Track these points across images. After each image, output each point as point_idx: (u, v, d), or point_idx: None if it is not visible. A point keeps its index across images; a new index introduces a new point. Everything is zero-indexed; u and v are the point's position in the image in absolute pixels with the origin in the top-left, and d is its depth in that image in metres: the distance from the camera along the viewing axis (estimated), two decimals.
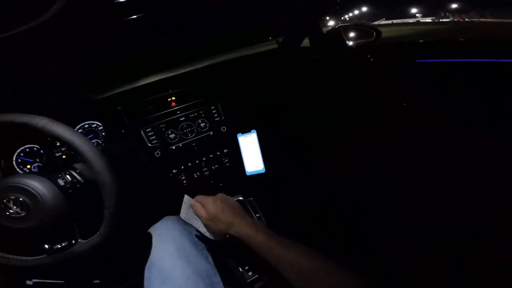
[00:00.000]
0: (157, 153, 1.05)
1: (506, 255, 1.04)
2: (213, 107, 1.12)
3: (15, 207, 0.60)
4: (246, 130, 1.07)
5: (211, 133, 1.11)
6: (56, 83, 1.09)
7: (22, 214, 0.60)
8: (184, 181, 1.11)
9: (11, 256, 0.68)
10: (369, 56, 1.56)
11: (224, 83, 1.17)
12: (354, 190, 1.41)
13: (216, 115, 1.12)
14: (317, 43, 1.54)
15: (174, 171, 1.10)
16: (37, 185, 0.61)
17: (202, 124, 1.10)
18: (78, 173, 0.71)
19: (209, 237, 0.77)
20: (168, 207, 1.00)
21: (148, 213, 0.97)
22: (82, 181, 0.71)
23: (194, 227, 0.80)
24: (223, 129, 1.13)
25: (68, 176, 0.68)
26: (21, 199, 0.59)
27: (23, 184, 0.60)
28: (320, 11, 1.52)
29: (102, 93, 1.13)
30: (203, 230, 0.78)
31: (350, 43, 1.66)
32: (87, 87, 1.18)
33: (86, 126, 1.03)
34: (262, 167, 1.08)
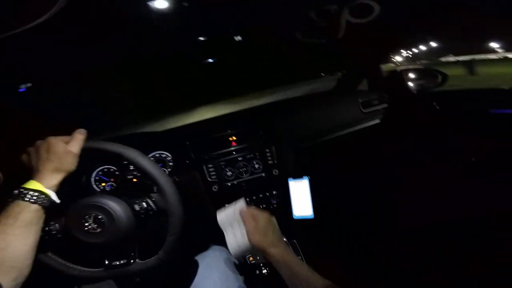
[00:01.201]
0: (215, 188, 1.15)
1: (506, 256, 1.08)
2: (267, 150, 1.19)
3: (93, 223, 0.70)
4: (297, 176, 1.12)
5: (263, 174, 1.19)
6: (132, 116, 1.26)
7: (97, 230, 0.70)
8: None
9: (71, 265, 0.76)
10: (434, 103, 1.47)
11: (280, 128, 1.23)
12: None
13: (269, 158, 1.19)
14: (376, 86, 1.52)
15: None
16: (116, 207, 0.72)
17: (256, 165, 1.18)
18: (153, 202, 0.80)
19: (239, 246, 0.80)
20: (216, 237, 1.09)
21: (197, 241, 1.06)
22: (155, 209, 0.80)
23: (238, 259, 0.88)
24: (275, 172, 1.19)
25: (144, 203, 0.78)
26: (100, 216, 0.70)
27: (105, 204, 0.71)
28: (382, 55, 1.50)
29: (174, 123, 1.28)
30: (234, 239, 0.81)
31: (412, 87, 1.59)
32: (162, 118, 1.34)
33: (157, 155, 1.18)
34: (311, 213, 1.11)
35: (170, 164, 1.19)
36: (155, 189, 0.80)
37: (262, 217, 0.79)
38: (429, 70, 1.67)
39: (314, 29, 1.29)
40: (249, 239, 0.77)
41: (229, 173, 1.17)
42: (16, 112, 1.08)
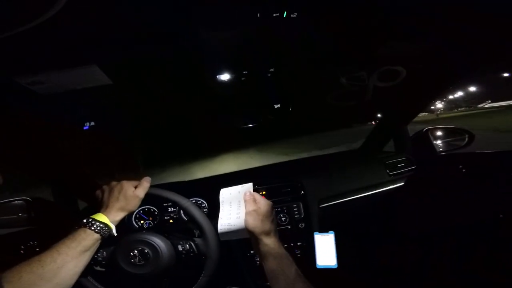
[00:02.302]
0: None
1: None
2: (295, 205, 1.28)
3: (139, 256, 0.81)
4: (323, 230, 1.19)
5: (289, 227, 1.27)
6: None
7: (141, 263, 0.81)
8: (257, 262, 1.25)
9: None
10: (460, 166, 1.48)
11: (308, 184, 1.32)
12: None
13: (296, 212, 1.27)
14: (402, 147, 1.57)
15: (252, 252, 1.26)
16: (162, 244, 0.83)
17: (283, 218, 1.27)
18: (195, 245, 0.89)
19: (229, 226, 0.80)
20: (236, 279, 1.18)
21: (218, 281, 1.14)
22: (196, 252, 0.89)
23: None
24: (301, 225, 1.27)
25: (187, 245, 0.87)
26: (146, 251, 0.81)
27: (153, 241, 0.83)
28: (409, 116, 1.56)
29: (210, 172, 1.41)
30: (227, 217, 0.81)
31: (439, 147, 1.61)
32: (199, 165, 1.48)
33: (193, 201, 1.31)
34: (334, 262, 1.17)
35: (205, 210, 1.30)
36: (196, 233, 0.92)
37: (265, 203, 0.80)
38: (455, 129, 1.69)
39: (344, 93, 1.41)
40: (246, 221, 0.76)
41: None
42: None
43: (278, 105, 1.14)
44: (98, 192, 0.85)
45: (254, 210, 0.77)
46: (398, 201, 1.45)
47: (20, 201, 1.09)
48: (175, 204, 0.88)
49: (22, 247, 1.06)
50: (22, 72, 0.72)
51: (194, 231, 0.97)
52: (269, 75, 1.03)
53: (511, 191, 1.27)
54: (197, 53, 0.80)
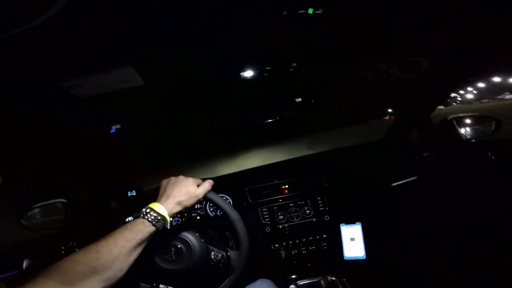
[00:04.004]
0: (267, 229, 1.27)
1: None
2: (319, 198, 1.28)
3: (173, 252, 0.82)
4: (350, 221, 1.19)
5: (314, 219, 1.27)
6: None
7: (174, 258, 0.82)
8: (283, 255, 1.28)
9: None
10: (489, 153, 1.43)
11: (331, 177, 1.32)
12: None
13: (321, 205, 1.28)
14: (427, 136, 1.53)
15: (277, 245, 1.29)
16: (197, 245, 0.83)
17: (307, 211, 1.28)
18: (227, 257, 0.88)
19: None
20: (263, 271, 1.19)
21: (247, 274, 1.16)
22: (225, 263, 0.87)
23: None
24: (326, 218, 1.27)
25: (220, 254, 0.87)
26: (179, 246, 0.82)
27: (188, 239, 0.84)
28: (432, 106, 1.52)
29: (235, 168, 1.44)
30: None
31: (465, 135, 1.56)
32: (224, 162, 1.52)
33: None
34: (363, 254, 1.17)
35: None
36: (231, 244, 0.94)
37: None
38: (482, 116, 1.63)
39: (366, 86, 1.39)
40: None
41: (281, 217, 1.28)
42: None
43: (300, 99, 1.15)
44: (164, 182, 0.82)
45: None
46: (424, 191, 1.42)
47: (57, 203, 1.15)
48: (225, 214, 0.87)
49: (63, 247, 1.12)
50: (63, 76, 0.75)
51: (230, 242, 0.98)
52: (291, 69, 1.04)
53: None
54: (222, 51, 0.83)
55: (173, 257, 0.83)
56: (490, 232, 1.27)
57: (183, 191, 0.78)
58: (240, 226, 0.85)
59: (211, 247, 0.87)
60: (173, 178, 0.81)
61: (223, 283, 0.84)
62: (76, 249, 1.11)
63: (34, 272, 0.56)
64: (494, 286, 1.16)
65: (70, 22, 0.65)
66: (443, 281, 1.24)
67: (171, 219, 0.74)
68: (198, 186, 0.82)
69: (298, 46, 0.93)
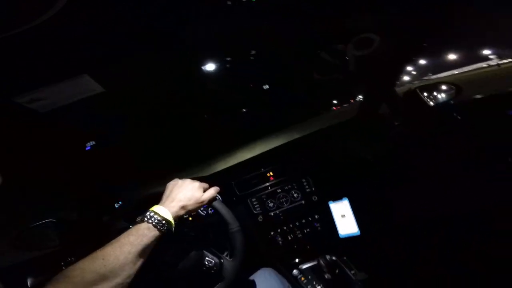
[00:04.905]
0: (260, 218, 1.28)
1: (501, 248, 1.14)
2: (304, 180, 1.32)
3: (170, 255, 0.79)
4: (337, 198, 1.22)
5: (303, 202, 1.30)
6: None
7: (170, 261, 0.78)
8: (280, 242, 1.29)
9: None
10: (455, 114, 1.53)
11: (313, 158, 1.37)
12: None
13: (307, 186, 1.31)
14: (396, 108, 1.61)
15: (272, 233, 1.30)
16: (193, 250, 0.81)
17: (295, 195, 1.30)
18: (221, 264, 0.86)
19: None
20: (265, 260, 1.20)
21: (247, 264, 1.16)
22: (218, 270, 0.85)
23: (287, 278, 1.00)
24: (314, 198, 1.30)
25: (214, 261, 0.85)
26: (176, 249, 0.79)
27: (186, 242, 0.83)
28: (394, 77, 1.62)
29: (219, 167, 1.47)
30: None
31: (431, 101, 1.66)
32: (208, 163, 1.54)
33: None
34: (356, 230, 1.19)
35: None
36: (226, 253, 0.90)
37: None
38: (443, 83, 1.75)
39: (328, 67, 1.48)
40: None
41: (271, 204, 1.30)
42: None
43: (267, 86, 1.20)
44: (170, 184, 0.79)
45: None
46: (413, 184, 1.48)
47: (47, 223, 1.14)
48: (225, 223, 0.86)
49: (62, 263, 1.10)
50: (20, 90, 0.73)
51: (226, 250, 0.94)
52: (252, 58, 1.10)
53: None
54: (182, 48, 0.86)
55: (169, 260, 0.80)
56: (478, 225, 1.29)
57: (189, 195, 0.75)
58: (239, 237, 0.84)
59: (206, 252, 0.86)
60: (179, 181, 0.79)
61: None
62: None
63: (42, 283, 0.56)
64: (482, 278, 1.16)
65: (70, 22, 0.64)
66: (432, 274, 1.26)
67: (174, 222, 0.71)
68: (204, 190, 0.80)
69: (255, 34, 0.99)
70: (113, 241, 0.63)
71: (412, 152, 1.51)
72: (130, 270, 0.61)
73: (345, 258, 1.21)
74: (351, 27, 1.26)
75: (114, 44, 0.75)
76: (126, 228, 0.67)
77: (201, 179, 0.84)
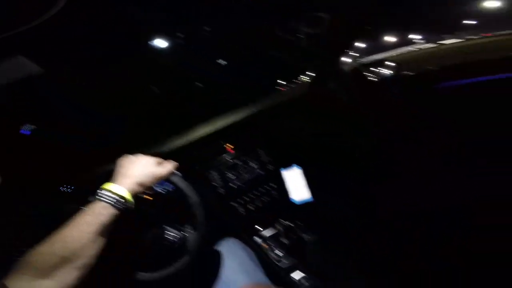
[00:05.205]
0: (221, 190, 1.33)
1: (485, 244, 1.12)
2: (260, 150, 1.38)
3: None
4: (289, 166, 1.31)
5: (261, 171, 1.38)
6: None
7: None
8: (242, 212, 1.35)
9: None
10: (395, 89, 1.73)
11: (266, 130, 1.43)
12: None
13: (263, 156, 1.38)
14: (341, 82, 1.75)
15: (233, 204, 1.36)
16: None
17: (253, 165, 1.37)
18: (184, 239, 0.87)
19: None
20: (228, 231, 1.26)
21: (212, 237, 1.20)
22: (181, 245, 0.86)
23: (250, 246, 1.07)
24: (270, 167, 1.38)
25: (176, 235, 0.85)
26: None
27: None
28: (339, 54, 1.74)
29: (173, 145, 1.44)
30: None
31: (372, 77, 1.85)
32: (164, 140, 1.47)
33: None
34: (309, 196, 1.30)
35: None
36: (190, 228, 0.91)
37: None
38: (383, 60, 1.96)
39: (282, 44, 1.53)
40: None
41: (231, 176, 1.35)
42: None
43: (225, 62, 1.21)
44: (121, 161, 0.76)
45: None
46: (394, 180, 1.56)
47: None
48: (184, 197, 0.87)
49: (16, 254, 1.01)
50: None
51: (186, 225, 0.94)
52: (206, 33, 1.08)
53: None
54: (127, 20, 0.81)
55: (131, 238, 0.81)
56: (460, 220, 1.30)
57: (144, 171, 0.73)
58: (200, 210, 0.86)
59: (168, 227, 0.86)
60: (132, 157, 0.76)
61: (176, 264, 0.83)
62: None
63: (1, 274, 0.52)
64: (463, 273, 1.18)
65: (70, 22, 0.63)
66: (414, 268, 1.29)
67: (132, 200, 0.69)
68: (159, 165, 0.78)
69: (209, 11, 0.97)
70: (69, 222, 0.61)
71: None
72: (92, 250, 0.60)
73: (301, 224, 1.32)
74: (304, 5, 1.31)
75: None
76: (78, 211, 0.64)
77: (157, 156, 0.82)
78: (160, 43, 1.02)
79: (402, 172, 1.52)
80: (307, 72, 1.77)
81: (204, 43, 1.14)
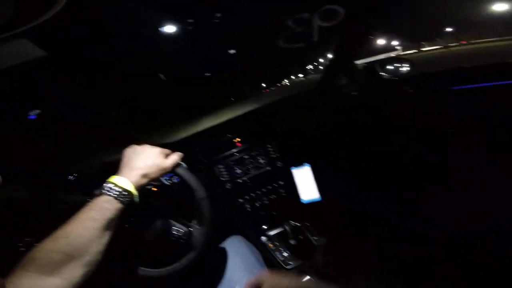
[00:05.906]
0: (228, 185, 1.29)
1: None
2: (269, 146, 1.34)
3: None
4: (299, 164, 1.27)
5: (269, 168, 1.34)
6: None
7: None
8: (248, 209, 1.32)
9: None
10: (406, 87, 1.67)
11: (278, 125, 1.39)
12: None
13: (272, 152, 1.34)
14: (354, 79, 1.71)
15: (240, 200, 1.32)
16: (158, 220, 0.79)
17: (261, 161, 1.33)
18: (190, 234, 0.83)
19: None
20: (234, 228, 1.22)
21: (217, 234, 1.17)
22: (187, 240, 0.83)
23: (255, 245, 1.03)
24: (279, 164, 1.34)
25: (182, 231, 0.82)
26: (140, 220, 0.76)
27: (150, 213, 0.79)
28: (355, 50, 1.70)
29: (182, 134, 1.40)
30: None
31: (385, 75, 1.79)
32: (172, 130, 1.44)
33: None
34: (318, 195, 1.26)
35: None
36: (195, 223, 0.87)
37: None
38: (396, 58, 1.90)
39: (293, 36, 1.48)
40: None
41: (238, 171, 1.31)
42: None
43: (234, 51, 1.17)
44: (126, 152, 0.73)
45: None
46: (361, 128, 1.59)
47: None
48: (191, 190, 0.82)
49: (21, 244, 0.99)
50: None
51: (193, 220, 0.91)
52: (216, 20, 1.03)
53: None
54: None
55: (136, 232, 0.76)
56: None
57: (149, 163, 0.71)
58: (207, 205, 0.82)
59: (173, 222, 0.84)
60: (138, 148, 0.74)
61: (182, 260, 0.80)
62: (35, 244, 0.99)
63: (4, 271, 0.50)
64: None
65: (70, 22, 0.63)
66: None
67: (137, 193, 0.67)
68: (166, 157, 0.76)
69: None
70: (73, 218, 0.59)
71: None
72: (97, 246, 0.59)
73: (308, 224, 1.28)
74: None
75: None
76: (84, 202, 0.62)
77: (163, 146, 0.80)
78: (169, 28, 0.97)
79: (429, 178, 1.46)
80: (318, 66, 1.72)
81: (213, 30, 1.09)
